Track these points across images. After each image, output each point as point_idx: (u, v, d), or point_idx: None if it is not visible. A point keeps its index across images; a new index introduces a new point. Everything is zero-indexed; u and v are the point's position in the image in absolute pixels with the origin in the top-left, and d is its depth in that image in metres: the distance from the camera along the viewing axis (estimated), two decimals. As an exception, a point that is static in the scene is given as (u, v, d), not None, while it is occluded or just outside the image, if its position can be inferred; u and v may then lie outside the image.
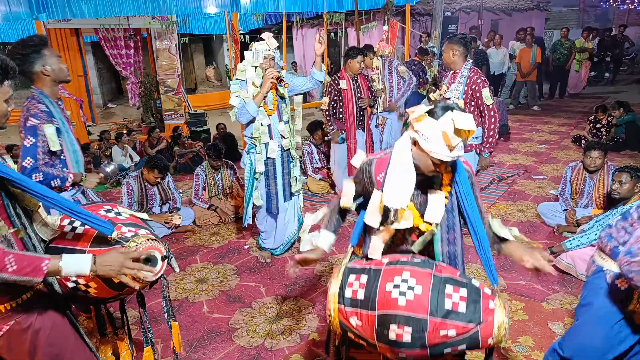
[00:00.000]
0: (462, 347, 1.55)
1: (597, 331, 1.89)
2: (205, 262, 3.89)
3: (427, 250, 1.81)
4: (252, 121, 3.41)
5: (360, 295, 1.61)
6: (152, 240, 1.73)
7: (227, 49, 12.06)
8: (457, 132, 1.49)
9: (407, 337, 1.51)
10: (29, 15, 5.28)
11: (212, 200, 4.80)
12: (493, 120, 3.58)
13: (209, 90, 14.51)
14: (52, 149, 2.47)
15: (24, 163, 2.40)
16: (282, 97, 3.49)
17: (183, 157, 6.71)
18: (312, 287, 3.40)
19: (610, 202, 3.64)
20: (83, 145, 4.32)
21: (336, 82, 4.69)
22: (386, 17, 6.75)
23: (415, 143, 1.62)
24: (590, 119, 7.00)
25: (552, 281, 3.31)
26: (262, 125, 3.41)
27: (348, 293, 1.64)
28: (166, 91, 8.27)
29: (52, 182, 2.47)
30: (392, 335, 1.53)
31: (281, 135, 3.51)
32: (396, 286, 1.56)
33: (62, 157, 2.59)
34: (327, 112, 4.79)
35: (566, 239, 3.43)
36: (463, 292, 1.54)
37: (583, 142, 6.56)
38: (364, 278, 1.64)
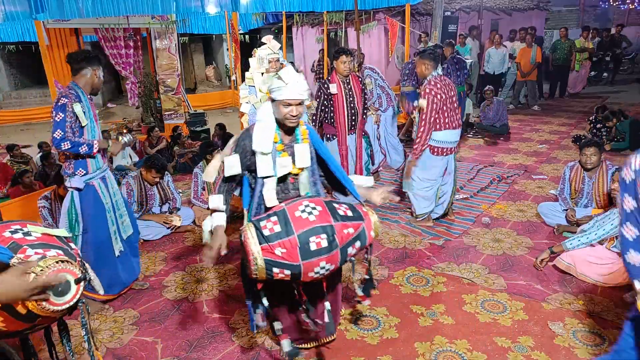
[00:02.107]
0: (358, 244, 2.10)
1: None
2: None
3: (298, 193, 2.30)
4: None
5: (277, 228, 1.98)
6: (64, 262, 1.55)
7: (227, 49, 12.07)
8: (287, 76, 2.12)
9: (324, 243, 1.97)
10: (28, 15, 5.27)
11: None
12: (421, 129, 3.92)
13: (209, 90, 14.50)
14: (83, 123, 2.94)
15: (54, 135, 2.85)
16: None
17: (183, 156, 6.70)
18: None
19: (611, 201, 3.64)
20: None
21: (325, 85, 4.40)
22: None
23: (272, 101, 2.19)
24: (590, 118, 7.00)
25: (552, 281, 3.32)
26: None
27: (266, 232, 1.98)
28: (166, 91, 8.26)
29: (79, 148, 2.91)
30: (313, 247, 1.96)
31: None
32: (303, 211, 2.03)
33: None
34: (314, 117, 4.50)
35: (566, 239, 3.43)
36: (345, 205, 2.16)
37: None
38: (273, 218, 2.03)
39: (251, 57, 3.95)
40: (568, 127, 8.10)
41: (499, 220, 4.41)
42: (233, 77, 10.46)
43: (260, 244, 1.96)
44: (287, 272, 1.99)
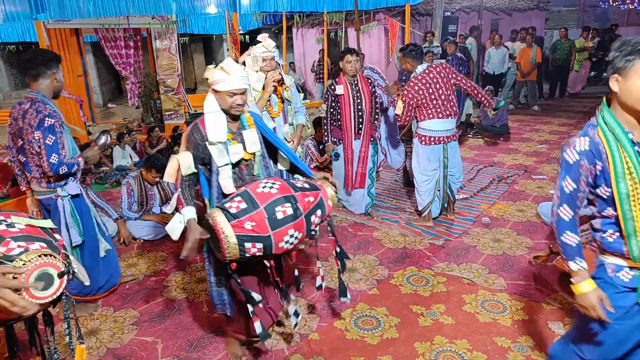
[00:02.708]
0: (319, 212, 2.25)
1: (604, 331, 1.80)
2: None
3: (253, 179, 2.40)
4: None
5: (243, 205, 2.09)
6: (47, 255, 1.52)
7: (227, 49, 12.07)
8: (229, 66, 2.25)
9: (290, 211, 2.11)
10: (28, 15, 5.28)
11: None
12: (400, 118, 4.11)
13: (209, 90, 14.48)
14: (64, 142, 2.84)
15: (50, 160, 2.72)
16: (287, 100, 3.51)
17: (183, 157, 6.69)
18: (312, 287, 3.40)
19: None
20: (83, 145, 4.33)
21: (332, 87, 4.29)
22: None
23: (215, 92, 2.29)
24: (591, 119, 6.98)
25: (552, 281, 3.32)
26: None
27: (233, 210, 2.08)
28: (166, 91, 8.26)
29: (72, 169, 2.84)
30: (280, 215, 2.09)
31: (285, 138, 3.52)
32: (264, 187, 2.17)
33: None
34: (324, 121, 4.39)
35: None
36: (301, 180, 2.40)
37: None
38: (237, 198, 2.13)
39: (248, 55, 3.94)
40: (568, 127, 8.10)
41: (499, 220, 4.41)
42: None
43: (229, 221, 2.05)
44: (259, 245, 2.09)
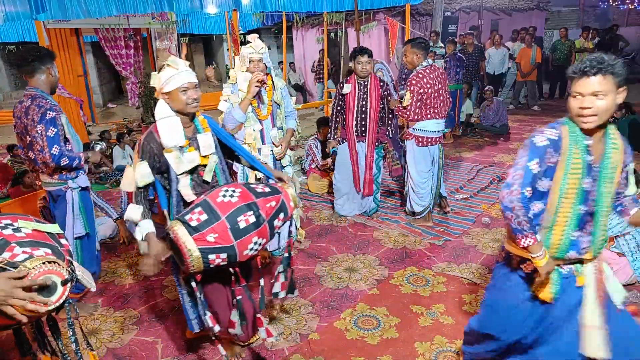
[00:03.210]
0: (282, 215, 2.21)
1: (504, 314, 2.05)
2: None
3: (212, 183, 2.36)
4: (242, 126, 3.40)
5: (204, 217, 2.03)
6: (51, 263, 1.51)
7: (227, 49, 12.06)
8: (175, 63, 2.17)
9: (252, 219, 2.06)
10: (28, 15, 5.27)
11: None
12: (406, 115, 4.07)
13: (209, 90, 14.48)
14: (68, 135, 2.92)
15: (52, 151, 2.78)
16: (276, 103, 3.46)
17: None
18: (312, 287, 3.40)
19: (610, 202, 3.65)
20: (83, 145, 4.34)
21: (341, 85, 4.29)
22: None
23: (166, 95, 2.19)
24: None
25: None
26: (254, 131, 3.40)
27: (194, 223, 2.01)
28: (166, 91, 8.25)
29: (73, 162, 2.89)
30: (243, 224, 2.04)
31: (273, 143, 3.48)
32: (224, 195, 2.09)
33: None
34: (331, 117, 4.42)
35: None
36: (261, 184, 2.31)
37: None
38: (197, 209, 2.06)
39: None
40: (568, 127, 8.08)
41: (499, 220, 4.41)
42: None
43: (191, 235, 2.00)
44: (224, 255, 2.05)
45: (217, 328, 2.25)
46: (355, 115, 4.22)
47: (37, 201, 4.16)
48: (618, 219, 3.22)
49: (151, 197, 2.32)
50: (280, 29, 11.27)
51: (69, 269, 1.58)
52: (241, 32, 9.56)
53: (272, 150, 3.49)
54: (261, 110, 3.40)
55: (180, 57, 8.58)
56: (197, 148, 2.28)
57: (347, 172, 4.43)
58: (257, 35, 3.36)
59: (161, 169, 2.26)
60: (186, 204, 2.28)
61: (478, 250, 3.85)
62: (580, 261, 1.91)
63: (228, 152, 2.53)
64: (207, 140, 2.29)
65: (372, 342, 2.76)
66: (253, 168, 2.59)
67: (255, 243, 2.11)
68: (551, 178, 1.81)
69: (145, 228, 2.21)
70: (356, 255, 3.86)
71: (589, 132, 1.78)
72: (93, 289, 1.78)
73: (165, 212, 2.31)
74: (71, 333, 1.71)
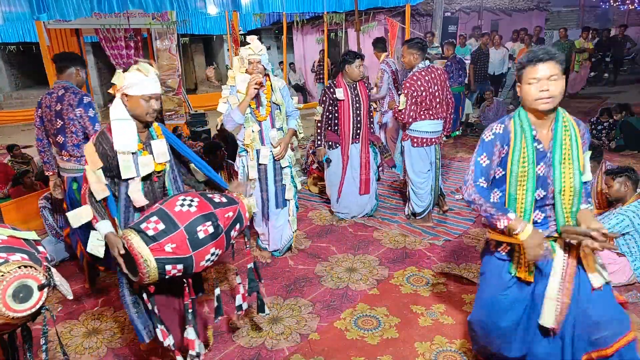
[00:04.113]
0: (238, 226, 2.21)
1: (490, 299, 2.12)
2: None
3: (163, 192, 2.32)
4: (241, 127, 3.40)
5: (161, 226, 1.96)
6: (27, 267, 1.50)
7: (228, 49, 12.07)
8: (145, 69, 2.12)
9: (211, 229, 2.03)
10: (29, 15, 5.27)
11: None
12: (401, 117, 4.04)
13: (210, 91, 14.51)
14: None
15: (95, 128, 3.14)
16: (275, 104, 3.45)
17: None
18: (312, 287, 3.40)
19: (610, 203, 3.65)
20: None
21: (331, 90, 4.13)
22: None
23: (127, 97, 2.12)
24: (591, 120, 6.99)
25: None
26: (252, 132, 3.40)
27: (151, 232, 1.95)
28: (166, 91, 8.27)
29: None
30: (201, 235, 2.01)
31: (272, 144, 3.47)
32: (182, 205, 2.04)
33: None
34: (319, 124, 4.22)
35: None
36: (218, 194, 2.25)
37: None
38: (153, 218, 1.99)
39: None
40: (568, 128, 8.08)
41: (499, 221, 4.41)
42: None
43: (147, 245, 1.92)
44: (180, 266, 2.01)
45: (167, 342, 2.19)
46: (351, 119, 4.17)
47: (37, 201, 4.17)
48: (617, 219, 3.23)
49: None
50: (280, 29, 11.28)
51: (46, 274, 1.56)
52: (241, 32, 9.58)
53: (271, 151, 3.49)
54: (259, 112, 3.39)
55: (180, 57, 8.59)
56: (151, 153, 2.22)
57: (338, 178, 4.40)
58: (256, 37, 3.35)
59: (113, 171, 2.16)
60: (135, 210, 2.21)
61: (478, 250, 3.85)
62: (555, 240, 2.01)
63: (184, 161, 2.46)
64: (161, 148, 2.24)
65: (372, 342, 2.77)
66: (209, 178, 2.48)
67: (212, 254, 2.08)
68: (504, 167, 1.98)
69: (103, 229, 2.09)
70: (356, 255, 3.86)
71: (538, 120, 1.93)
72: (70, 297, 1.76)
73: (116, 220, 2.16)
74: (43, 341, 1.68)
